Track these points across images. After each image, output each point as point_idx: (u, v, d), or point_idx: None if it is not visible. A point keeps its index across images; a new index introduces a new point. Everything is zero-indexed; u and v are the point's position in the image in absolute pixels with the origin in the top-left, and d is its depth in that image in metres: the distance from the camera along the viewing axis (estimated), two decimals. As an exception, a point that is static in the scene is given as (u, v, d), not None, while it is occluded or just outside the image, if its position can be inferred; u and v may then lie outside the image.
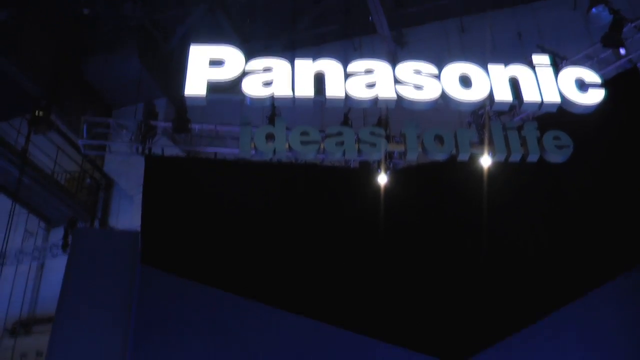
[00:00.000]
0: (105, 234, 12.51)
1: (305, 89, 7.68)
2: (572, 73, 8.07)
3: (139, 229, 10.50)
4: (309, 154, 7.87)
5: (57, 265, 15.72)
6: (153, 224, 10.36)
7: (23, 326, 16.82)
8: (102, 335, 9.65)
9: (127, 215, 15.83)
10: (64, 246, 15.09)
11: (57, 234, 16.96)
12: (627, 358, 8.79)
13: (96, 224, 16.59)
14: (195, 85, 7.63)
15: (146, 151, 11.50)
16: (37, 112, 13.52)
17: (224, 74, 7.68)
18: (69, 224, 15.07)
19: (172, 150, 12.51)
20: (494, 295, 9.91)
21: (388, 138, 8.13)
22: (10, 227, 15.05)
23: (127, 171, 14.79)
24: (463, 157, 7.92)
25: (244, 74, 7.68)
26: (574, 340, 9.17)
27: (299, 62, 7.85)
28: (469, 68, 7.95)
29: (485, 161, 8.04)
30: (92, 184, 17.30)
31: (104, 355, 9.53)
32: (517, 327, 9.73)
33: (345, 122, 10.98)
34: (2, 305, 16.59)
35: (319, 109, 12.11)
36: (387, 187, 10.26)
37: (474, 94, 7.80)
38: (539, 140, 7.87)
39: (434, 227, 10.42)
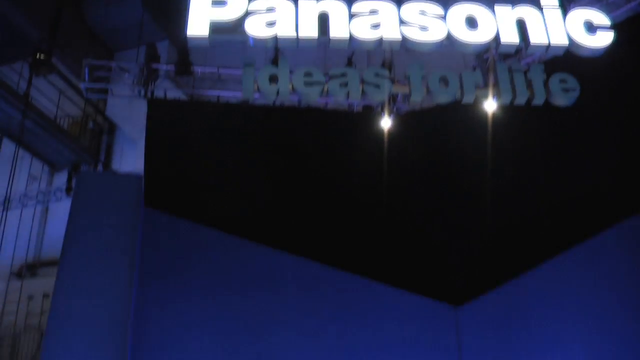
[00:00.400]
0: (108, 177, 12.47)
1: (309, 30, 7.60)
2: (580, 15, 7.94)
3: (142, 172, 10.49)
4: (312, 95, 7.80)
5: (61, 209, 15.83)
6: (156, 166, 10.35)
7: (29, 269, 17.03)
8: (107, 277, 9.70)
9: (131, 159, 15.85)
10: (68, 190, 15.19)
11: (61, 178, 17.05)
12: (630, 302, 8.79)
13: (99, 168, 16.63)
14: (197, 25, 7.55)
15: (148, 94, 11.43)
16: (38, 55, 13.42)
17: (227, 14, 7.58)
18: (72, 168, 15.13)
19: (174, 93, 12.43)
20: (498, 239, 9.95)
21: (392, 80, 8.04)
22: (14, 171, 15.08)
23: (129, 115, 14.74)
24: (468, 99, 7.85)
25: (247, 14, 7.58)
26: (577, 284, 9.20)
27: (302, 3, 7.74)
28: (475, 9, 7.83)
29: (490, 104, 7.98)
30: (95, 128, 17.30)
31: (110, 297, 9.60)
32: (520, 270, 9.79)
33: (349, 65, 10.88)
34: (8, 248, 16.74)
35: (322, 54, 11.99)
36: (391, 131, 10.22)
37: (480, 36, 7.70)
38: (545, 83, 7.80)
39: (437, 171, 10.40)
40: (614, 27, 7.87)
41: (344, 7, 7.74)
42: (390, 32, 7.62)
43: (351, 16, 7.68)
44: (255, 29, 7.54)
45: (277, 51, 9.64)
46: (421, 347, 9.89)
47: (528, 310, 9.58)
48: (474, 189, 10.17)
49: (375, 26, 7.64)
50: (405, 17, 7.70)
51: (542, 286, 9.53)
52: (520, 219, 9.95)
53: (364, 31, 7.62)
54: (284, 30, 7.55)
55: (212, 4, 7.62)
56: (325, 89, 7.76)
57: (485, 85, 7.95)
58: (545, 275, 9.55)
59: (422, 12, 7.75)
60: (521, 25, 7.80)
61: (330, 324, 9.95)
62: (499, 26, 7.73)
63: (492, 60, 8.57)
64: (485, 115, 8.24)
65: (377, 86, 7.75)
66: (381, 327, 9.99)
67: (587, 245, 9.24)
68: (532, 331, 9.40)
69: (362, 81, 7.76)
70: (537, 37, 7.75)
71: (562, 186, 9.83)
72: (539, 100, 7.79)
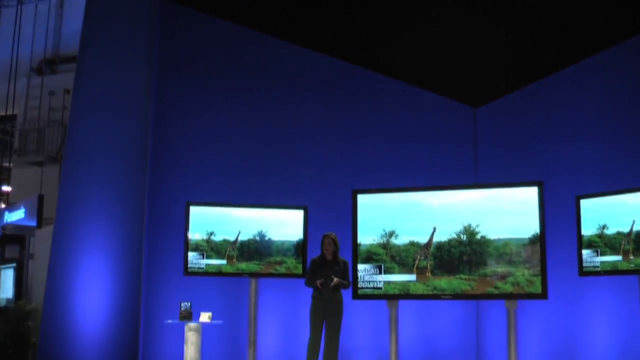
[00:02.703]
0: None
1: None
2: None
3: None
4: None
5: (77, 3, 15.52)
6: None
7: (48, 65, 17.06)
8: (126, 71, 9.68)
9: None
10: (83, -17, 14.74)
11: (74, -29, 16.53)
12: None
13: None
14: None
15: None
16: None
17: None
18: (85, -40, 14.56)
19: None
20: (520, 43, 9.69)
21: None
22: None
23: None
24: None
25: None
26: (596, 92, 9.03)
27: None
28: None
29: None
30: None
31: (129, 91, 9.65)
32: (541, 75, 9.64)
33: None
34: (26, 44, 16.70)
35: None
36: None
37: None
38: None
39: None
40: None
41: None
42: None
43: None
44: None
45: None
46: (439, 146, 10.04)
47: (545, 115, 9.54)
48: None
49: None
50: None
51: (561, 92, 9.40)
52: (545, 23, 9.60)
53: None
54: None
55: None
56: None
57: None
58: (564, 81, 9.39)
59: None
60: None
61: (352, 122, 10.04)
62: None
63: None
64: None
65: None
66: (401, 126, 10.09)
67: (609, 53, 8.94)
68: (547, 136, 9.43)
69: None
70: None
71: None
72: None
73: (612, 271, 7.53)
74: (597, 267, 7.64)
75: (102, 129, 9.47)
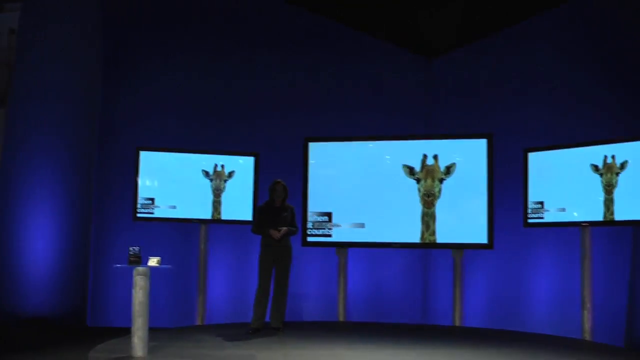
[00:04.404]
0: None
1: None
2: None
3: None
4: None
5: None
6: None
7: (-7, 3, 16.43)
8: (76, 13, 9.38)
9: None
10: None
11: None
12: (603, 68, 8.72)
13: None
14: None
15: None
16: None
17: None
18: None
19: None
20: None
21: None
22: None
23: None
24: None
25: None
26: (553, 46, 9.08)
27: None
28: None
29: None
30: None
31: (80, 32, 9.38)
32: (497, 28, 9.66)
33: None
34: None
35: None
36: None
37: None
38: None
39: None
40: None
41: None
42: None
43: None
44: None
45: None
46: (392, 96, 10.02)
47: (498, 68, 9.59)
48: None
49: None
50: None
51: (514, 46, 9.44)
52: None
53: None
54: None
55: None
56: None
57: None
58: (518, 35, 9.42)
59: None
60: None
61: (305, 70, 9.96)
62: None
63: None
64: None
65: None
66: (355, 75, 10.04)
67: (560, 10, 8.97)
68: (499, 89, 9.50)
69: None
70: None
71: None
72: None
73: (556, 223, 7.75)
74: (542, 218, 7.84)
75: (49, 71, 9.17)
